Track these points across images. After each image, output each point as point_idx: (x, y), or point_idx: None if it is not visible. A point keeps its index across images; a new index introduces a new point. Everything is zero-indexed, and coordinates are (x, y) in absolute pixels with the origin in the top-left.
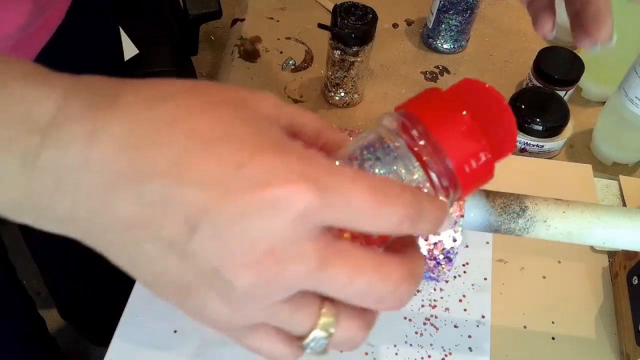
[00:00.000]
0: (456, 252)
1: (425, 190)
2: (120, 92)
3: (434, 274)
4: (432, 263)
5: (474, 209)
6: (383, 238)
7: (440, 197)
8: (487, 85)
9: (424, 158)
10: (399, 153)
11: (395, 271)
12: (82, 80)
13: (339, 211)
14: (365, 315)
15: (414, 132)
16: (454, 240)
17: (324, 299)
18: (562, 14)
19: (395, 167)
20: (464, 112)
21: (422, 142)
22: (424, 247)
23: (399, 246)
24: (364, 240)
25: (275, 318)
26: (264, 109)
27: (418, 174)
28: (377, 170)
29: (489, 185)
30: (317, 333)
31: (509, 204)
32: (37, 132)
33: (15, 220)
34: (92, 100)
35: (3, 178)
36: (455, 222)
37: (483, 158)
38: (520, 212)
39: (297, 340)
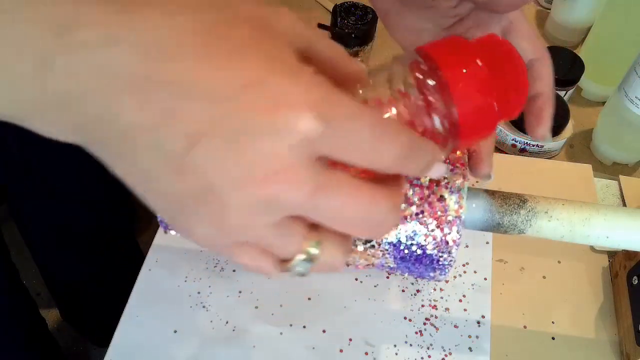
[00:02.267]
0: (462, 220)
1: (426, 127)
2: (136, 1)
3: (442, 252)
4: (439, 235)
5: (474, 203)
6: (370, 173)
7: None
8: (509, 44)
9: (430, 98)
10: (408, 91)
11: (385, 202)
12: None
13: (338, 141)
14: (345, 241)
15: (425, 72)
16: (460, 207)
17: (309, 225)
18: (560, 14)
19: (402, 104)
20: (479, 62)
21: (431, 82)
22: (431, 223)
23: (384, 178)
24: (353, 173)
25: (261, 241)
26: (281, 27)
27: (422, 113)
28: (384, 107)
29: (489, 185)
30: (301, 257)
31: (509, 196)
32: (51, 34)
33: (24, 125)
34: (108, 5)
35: (17, 80)
36: (460, 190)
37: (488, 110)
38: (521, 204)
39: (282, 262)
